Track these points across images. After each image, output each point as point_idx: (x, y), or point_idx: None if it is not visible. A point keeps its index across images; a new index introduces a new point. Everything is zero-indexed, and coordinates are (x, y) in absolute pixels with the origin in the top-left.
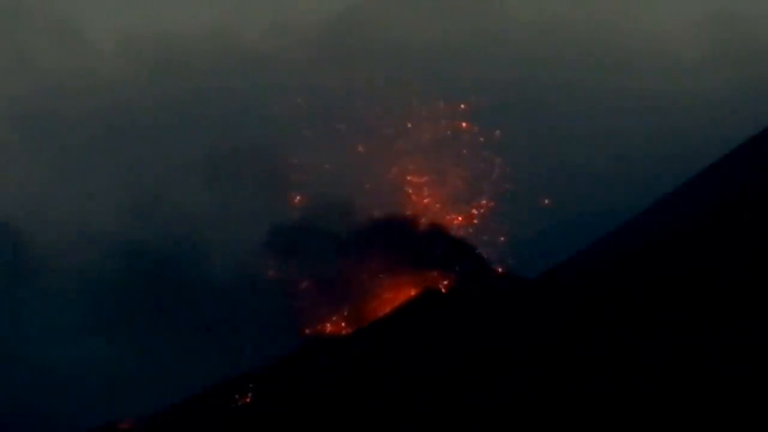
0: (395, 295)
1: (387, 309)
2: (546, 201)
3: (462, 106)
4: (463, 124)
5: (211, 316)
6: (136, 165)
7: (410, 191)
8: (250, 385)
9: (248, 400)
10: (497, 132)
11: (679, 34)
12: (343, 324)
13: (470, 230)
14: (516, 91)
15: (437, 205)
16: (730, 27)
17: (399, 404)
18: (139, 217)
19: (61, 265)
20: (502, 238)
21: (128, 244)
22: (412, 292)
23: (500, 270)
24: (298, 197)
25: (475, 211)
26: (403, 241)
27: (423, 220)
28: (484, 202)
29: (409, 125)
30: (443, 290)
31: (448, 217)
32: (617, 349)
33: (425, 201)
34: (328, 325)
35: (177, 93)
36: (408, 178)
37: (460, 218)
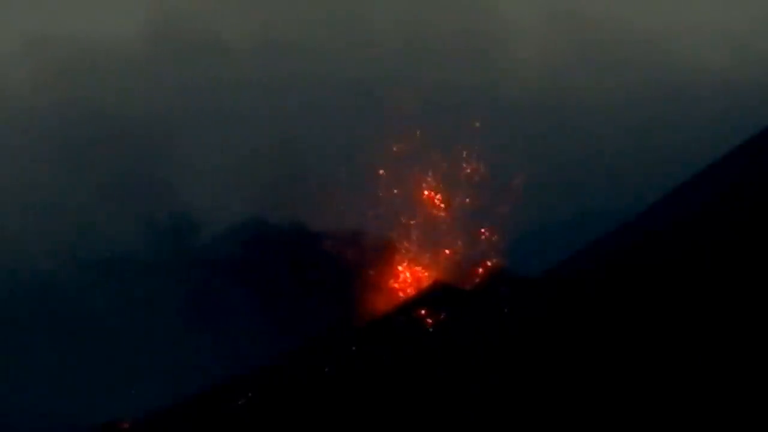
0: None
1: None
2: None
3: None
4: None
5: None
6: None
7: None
8: (250, 386)
9: (247, 400)
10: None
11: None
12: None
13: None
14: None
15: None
16: (568, 26)
17: (396, 404)
18: None
19: None
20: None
21: None
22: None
23: (498, 269)
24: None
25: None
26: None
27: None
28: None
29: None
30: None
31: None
32: (617, 348)
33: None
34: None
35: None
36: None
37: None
